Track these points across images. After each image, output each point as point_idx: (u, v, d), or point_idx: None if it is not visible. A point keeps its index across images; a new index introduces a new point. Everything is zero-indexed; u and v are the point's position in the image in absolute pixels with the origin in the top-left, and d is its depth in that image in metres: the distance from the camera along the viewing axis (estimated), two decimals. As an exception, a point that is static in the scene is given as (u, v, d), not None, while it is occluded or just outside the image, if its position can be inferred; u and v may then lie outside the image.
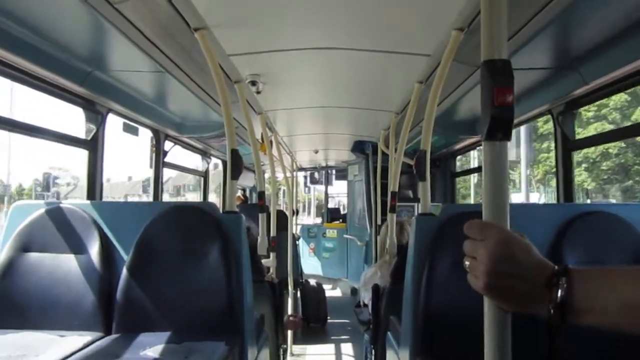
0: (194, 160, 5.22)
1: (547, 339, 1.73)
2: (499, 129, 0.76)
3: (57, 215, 2.04)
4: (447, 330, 1.76)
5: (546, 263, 0.69)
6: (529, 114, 2.88)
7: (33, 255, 1.98)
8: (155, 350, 1.65)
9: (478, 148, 4.47)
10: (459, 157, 5.37)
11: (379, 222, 4.74)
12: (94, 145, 2.70)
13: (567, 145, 2.61)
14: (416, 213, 5.18)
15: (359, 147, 5.46)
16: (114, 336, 1.86)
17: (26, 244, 1.99)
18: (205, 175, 5.23)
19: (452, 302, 1.76)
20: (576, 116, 2.65)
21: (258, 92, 2.80)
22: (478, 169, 4.57)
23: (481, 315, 0.76)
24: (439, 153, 5.04)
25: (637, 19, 1.77)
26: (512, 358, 0.74)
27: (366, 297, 2.86)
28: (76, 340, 1.77)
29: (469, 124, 3.87)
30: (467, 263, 0.72)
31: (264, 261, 3.23)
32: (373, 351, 2.64)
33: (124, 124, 3.29)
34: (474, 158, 12.75)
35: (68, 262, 1.98)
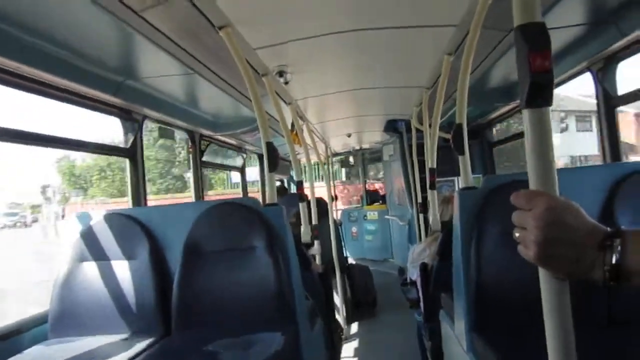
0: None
1: (606, 303, 1.68)
2: (538, 95, 0.73)
3: (108, 224, 2.13)
4: (502, 304, 1.73)
5: (598, 227, 0.67)
6: (567, 73, 2.77)
7: (90, 265, 2.08)
8: (215, 345, 1.71)
9: (517, 115, 4.33)
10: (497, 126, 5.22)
11: (419, 200, 4.70)
12: (133, 153, 2.79)
13: (610, 102, 2.50)
14: (457, 187, 5.11)
15: (391, 126, 5.39)
16: (174, 336, 1.94)
17: (82, 253, 2.09)
18: (242, 170, 5.31)
19: (504, 275, 1.73)
20: (616, 71, 2.54)
21: (286, 83, 2.81)
22: (519, 136, 4.41)
23: (536, 285, 0.74)
24: (475, 123, 4.92)
25: None
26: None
27: (414, 273, 2.85)
28: (139, 342, 1.85)
29: (504, 90, 3.75)
30: (517, 234, 0.71)
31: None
32: (427, 330, 2.64)
33: (160, 128, 3.38)
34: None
35: (123, 268, 2.07)
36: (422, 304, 2.72)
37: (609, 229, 0.66)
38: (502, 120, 4.83)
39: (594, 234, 0.66)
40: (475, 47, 2.02)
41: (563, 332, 0.72)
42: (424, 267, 2.60)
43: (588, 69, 2.61)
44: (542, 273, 0.73)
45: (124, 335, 1.94)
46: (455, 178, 5.36)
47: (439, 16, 2.12)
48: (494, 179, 1.96)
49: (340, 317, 4.36)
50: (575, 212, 0.68)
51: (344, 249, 5.61)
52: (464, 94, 2.15)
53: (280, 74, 2.69)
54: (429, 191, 3.23)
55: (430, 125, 3.27)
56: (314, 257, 3.48)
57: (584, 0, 2.05)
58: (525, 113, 0.74)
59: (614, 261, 0.63)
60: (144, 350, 1.76)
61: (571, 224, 0.66)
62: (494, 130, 5.19)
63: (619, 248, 0.63)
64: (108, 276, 2.05)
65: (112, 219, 2.13)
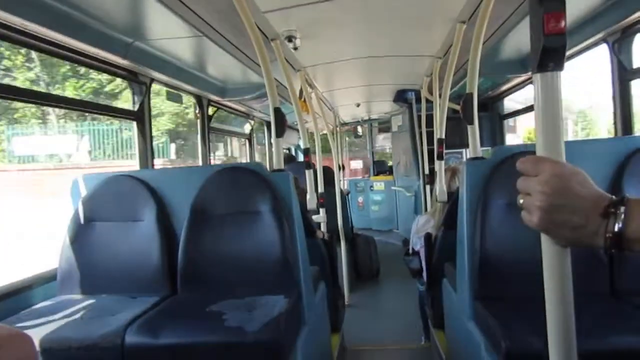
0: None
1: (608, 274, 1.69)
2: (550, 58, 0.71)
3: (116, 185, 2.15)
4: (506, 273, 1.75)
5: (603, 194, 0.66)
6: (582, 45, 2.71)
7: (98, 225, 2.11)
8: (219, 306, 1.75)
9: (528, 87, 4.26)
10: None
11: (426, 171, 4.69)
12: (141, 115, 2.79)
13: (624, 76, 2.45)
14: (464, 159, 5.08)
15: (401, 96, 5.34)
16: (179, 296, 1.98)
17: (90, 214, 2.12)
18: (249, 136, 5.31)
19: (508, 245, 1.74)
20: (633, 44, 2.47)
21: (295, 49, 2.77)
22: (530, 108, 4.35)
23: (539, 255, 0.74)
24: (486, 96, 4.85)
25: None
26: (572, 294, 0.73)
27: (417, 244, 2.87)
28: (145, 301, 1.90)
29: (517, 61, 3.68)
30: (520, 201, 0.70)
31: (314, 217, 3.29)
32: (430, 298, 2.67)
33: (168, 92, 3.37)
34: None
35: (130, 228, 2.09)
36: (424, 273, 2.75)
37: (614, 197, 0.65)
38: (513, 92, 4.75)
39: (599, 202, 0.65)
40: (489, 15, 1.97)
41: (563, 299, 0.72)
42: (428, 237, 2.62)
43: (604, 40, 2.55)
44: (544, 239, 0.73)
45: (130, 294, 1.98)
46: (463, 150, 5.33)
47: None
48: (503, 149, 1.95)
49: (343, 285, 4.43)
50: (581, 179, 0.67)
51: (349, 218, 5.64)
52: (475, 63, 2.12)
53: (290, 39, 2.65)
54: (436, 162, 3.22)
55: (440, 96, 3.23)
56: (319, 225, 3.51)
57: None
58: (536, 77, 0.72)
59: (616, 229, 0.63)
60: (149, 308, 1.81)
61: (577, 191, 0.66)
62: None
63: (623, 216, 0.63)
64: (115, 236, 2.08)
65: (120, 180, 2.15)
